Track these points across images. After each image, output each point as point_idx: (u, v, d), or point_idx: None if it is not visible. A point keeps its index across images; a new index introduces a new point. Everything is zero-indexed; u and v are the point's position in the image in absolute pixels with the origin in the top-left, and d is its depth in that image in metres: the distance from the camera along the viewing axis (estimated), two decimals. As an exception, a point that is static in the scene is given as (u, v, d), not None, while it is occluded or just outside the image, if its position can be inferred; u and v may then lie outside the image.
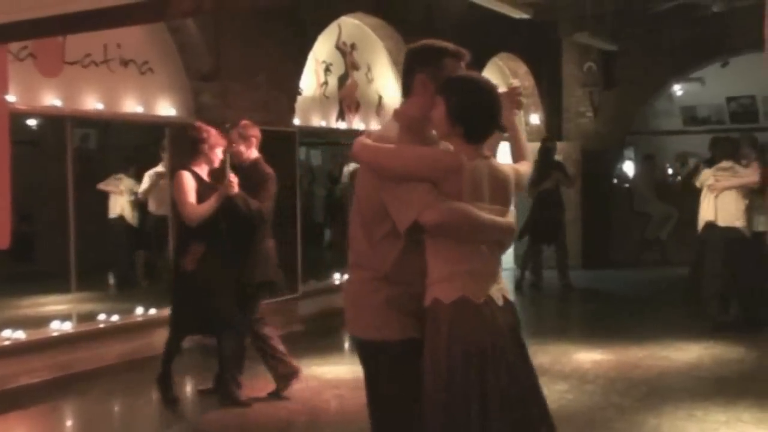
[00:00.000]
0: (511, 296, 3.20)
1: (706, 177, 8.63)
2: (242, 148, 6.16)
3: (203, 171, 6.05)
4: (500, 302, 3.07)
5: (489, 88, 3.11)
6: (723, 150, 8.71)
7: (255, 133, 6.25)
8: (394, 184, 3.00)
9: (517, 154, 3.44)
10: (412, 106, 3.18)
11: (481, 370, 2.95)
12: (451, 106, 3.03)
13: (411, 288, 3.08)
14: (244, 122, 6.32)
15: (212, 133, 6.03)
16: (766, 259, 8.61)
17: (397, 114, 3.22)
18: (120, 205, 10.45)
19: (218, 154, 6.02)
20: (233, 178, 5.83)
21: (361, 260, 3.17)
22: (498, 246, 3.14)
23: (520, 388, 3.05)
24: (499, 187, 3.12)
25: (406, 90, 3.23)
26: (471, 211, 2.98)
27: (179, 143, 8.43)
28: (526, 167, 3.41)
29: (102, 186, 10.27)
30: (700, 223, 8.74)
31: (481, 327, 2.98)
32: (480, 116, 3.07)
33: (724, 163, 8.54)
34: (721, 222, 8.43)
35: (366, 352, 3.21)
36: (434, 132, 3.18)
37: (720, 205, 8.42)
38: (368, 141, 3.10)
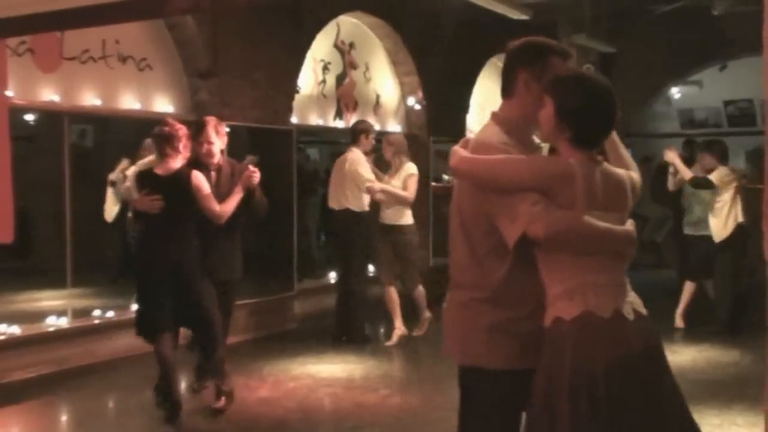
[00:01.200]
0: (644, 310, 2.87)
1: (728, 178, 8.48)
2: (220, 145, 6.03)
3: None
4: (631, 317, 2.78)
5: (605, 89, 2.85)
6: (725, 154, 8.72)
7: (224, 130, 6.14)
8: (498, 195, 2.78)
9: (621, 164, 3.03)
10: (513, 108, 2.96)
11: (608, 392, 2.66)
12: (560, 106, 2.79)
13: (518, 311, 2.88)
14: (214, 118, 6.13)
15: (184, 130, 5.82)
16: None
17: (497, 117, 2.99)
18: None
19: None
20: (255, 170, 5.84)
21: (464, 279, 2.97)
22: (618, 257, 2.86)
23: (658, 413, 2.77)
24: (614, 193, 2.86)
25: (507, 91, 2.98)
26: (583, 221, 2.74)
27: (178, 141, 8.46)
28: (637, 174, 3.06)
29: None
30: (728, 226, 8.47)
31: (609, 345, 2.71)
32: (593, 118, 2.83)
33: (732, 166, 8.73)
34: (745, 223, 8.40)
35: (464, 378, 3.03)
36: (536, 137, 3.02)
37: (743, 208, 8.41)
38: (464, 152, 2.89)
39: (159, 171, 5.72)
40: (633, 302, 2.83)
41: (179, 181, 5.65)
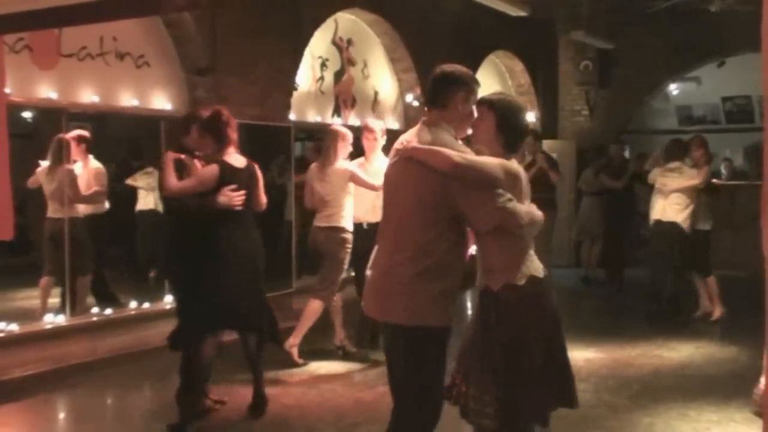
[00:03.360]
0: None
1: (654, 177, 9.09)
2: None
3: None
4: (542, 275, 3.70)
5: (524, 109, 3.90)
6: (671, 152, 9.10)
7: None
8: (473, 190, 3.52)
9: None
10: (446, 117, 3.70)
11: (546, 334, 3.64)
12: (500, 120, 3.69)
13: (456, 280, 3.66)
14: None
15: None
16: (703, 254, 9.09)
17: (435, 122, 3.70)
18: (153, 200, 10.34)
19: None
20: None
21: (417, 253, 3.57)
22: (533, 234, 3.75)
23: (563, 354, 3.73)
24: (528, 185, 3.77)
25: (440, 102, 3.72)
26: (532, 212, 3.66)
27: (175, 137, 8.45)
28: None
29: (131, 181, 10.00)
30: (651, 220, 9.16)
31: (550, 298, 3.71)
32: (520, 130, 3.82)
33: (672, 164, 8.95)
34: (665, 218, 8.85)
35: (409, 336, 3.64)
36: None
37: (668, 203, 8.86)
38: (423, 146, 3.57)
39: (233, 163, 5.56)
40: (536, 267, 3.70)
41: (255, 172, 5.67)
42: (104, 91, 7.70)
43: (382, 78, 11.44)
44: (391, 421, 3.91)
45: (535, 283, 3.62)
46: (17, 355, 6.90)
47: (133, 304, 8.13)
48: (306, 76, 9.97)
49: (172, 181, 5.50)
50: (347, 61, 10.79)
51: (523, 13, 11.50)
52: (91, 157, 8.22)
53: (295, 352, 7.25)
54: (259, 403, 5.84)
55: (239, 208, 5.50)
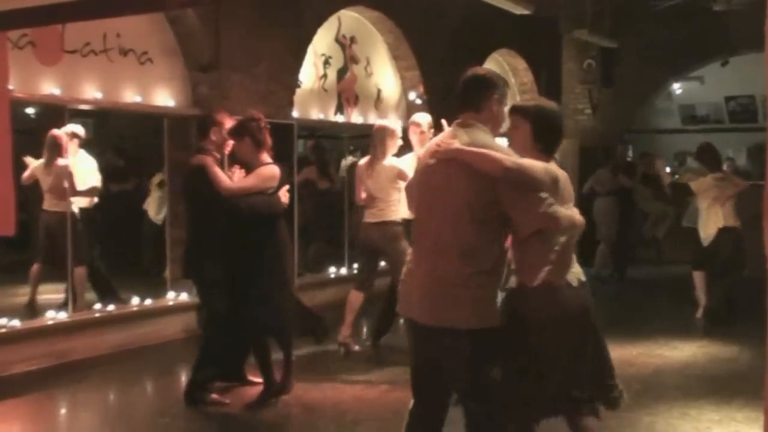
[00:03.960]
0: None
1: (708, 186, 9.02)
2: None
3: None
4: (574, 284, 3.76)
5: (558, 111, 3.96)
6: (713, 160, 9.22)
7: None
8: (518, 192, 3.58)
9: None
10: (484, 119, 3.75)
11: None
12: (535, 127, 3.77)
13: (500, 279, 3.72)
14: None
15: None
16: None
17: (470, 123, 3.73)
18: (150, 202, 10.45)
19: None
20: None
21: (473, 255, 3.58)
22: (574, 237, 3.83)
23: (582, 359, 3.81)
24: (569, 187, 3.82)
25: (477, 105, 3.75)
26: (573, 216, 3.76)
27: (178, 135, 8.46)
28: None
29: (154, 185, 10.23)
30: (709, 230, 9.03)
31: (575, 299, 3.77)
32: (557, 134, 3.87)
33: (720, 174, 9.13)
34: (729, 225, 8.94)
35: (477, 340, 3.58)
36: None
37: (727, 210, 8.96)
38: (470, 148, 3.57)
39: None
40: (576, 272, 3.80)
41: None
42: (107, 87, 7.70)
43: (385, 76, 11.44)
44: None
45: (570, 288, 3.73)
46: (19, 351, 6.91)
47: (135, 301, 8.13)
48: (309, 73, 9.97)
49: (227, 181, 5.67)
50: (350, 59, 10.78)
51: (526, 12, 11.48)
52: (82, 151, 8.25)
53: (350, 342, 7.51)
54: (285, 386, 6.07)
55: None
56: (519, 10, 11.34)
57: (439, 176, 3.68)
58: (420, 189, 3.81)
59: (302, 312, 6.22)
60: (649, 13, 13.70)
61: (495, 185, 3.54)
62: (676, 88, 17.12)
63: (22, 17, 4.35)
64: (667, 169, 17.35)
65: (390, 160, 7.24)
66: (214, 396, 5.97)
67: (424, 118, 7.37)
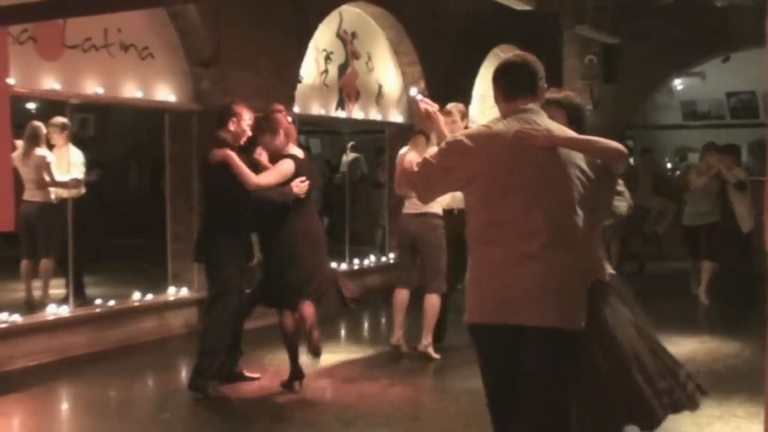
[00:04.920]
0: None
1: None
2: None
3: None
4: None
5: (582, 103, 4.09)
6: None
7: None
8: (611, 179, 3.53)
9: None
10: (539, 106, 3.53)
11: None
12: (570, 115, 3.89)
13: None
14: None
15: None
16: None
17: (540, 111, 3.51)
18: None
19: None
20: None
21: (585, 249, 3.38)
22: None
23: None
24: None
25: (536, 91, 3.50)
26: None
27: (179, 130, 8.46)
28: None
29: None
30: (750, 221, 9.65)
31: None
32: (586, 123, 4.04)
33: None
34: None
35: (572, 341, 3.30)
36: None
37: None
38: (573, 136, 3.46)
39: (299, 155, 6.14)
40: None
41: (313, 165, 6.31)
42: (108, 82, 7.69)
43: (386, 71, 11.43)
44: None
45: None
46: (20, 346, 6.91)
47: (136, 296, 8.13)
48: (310, 68, 9.96)
49: (254, 176, 5.90)
50: (351, 54, 10.77)
51: (528, 7, 11.47)
52: (70, 144, 8.27)
53: (431, 350, 7.16)
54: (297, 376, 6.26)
55: (303, 196, 6.02)
56: (520, 6, 11.33)
57: (531, 163, 3.29)
58: (503, 179, 3.31)
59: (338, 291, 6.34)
60: (651, 8, 13.68)
61: (596, 172, 3.38)
62: (678, 83, 17.10)
63: (24, 12, 4.35)
64: (668, 165, 17.39)
65: (430, 150, 7.13)
66: (213, 389, 5.99)
67: (455, 107, 7.16)
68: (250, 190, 5.86)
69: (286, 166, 6.00)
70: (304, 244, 6.01)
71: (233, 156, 5.85)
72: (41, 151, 8.08)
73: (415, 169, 3.47)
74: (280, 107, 6.24)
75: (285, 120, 6.12)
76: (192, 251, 6.56)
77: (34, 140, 8.03)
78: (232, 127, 6.04)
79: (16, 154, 7.97)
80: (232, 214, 5.99)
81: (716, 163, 9.88)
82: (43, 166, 8.00)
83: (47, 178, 8.03)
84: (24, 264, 8.38)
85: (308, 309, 6.07)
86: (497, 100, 3.56)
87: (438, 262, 7.10)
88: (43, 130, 8.10)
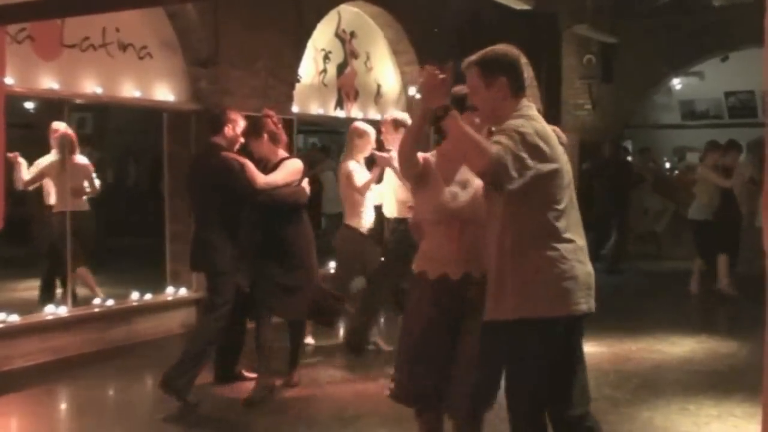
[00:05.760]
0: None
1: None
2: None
3: None
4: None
5: None
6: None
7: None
8: None
9: None
10: None
11: None
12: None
13: None
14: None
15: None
16: None
17: None
18: None
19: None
20: None
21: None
22: None
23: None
24: None
25: (521, 88, 3.56)
26: None
27: (177, 129, 8.45)
28: None
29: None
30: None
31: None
32: None
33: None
34: None
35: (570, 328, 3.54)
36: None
37: None
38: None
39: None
40: None
41: None
42: (106, 82, 7.68)
43: (385, 71, 11.42)
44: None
45: None
46: (19, 346, 6.91)
47: (134, 296, 8.13)
48: (309, 68, 9.95)
49: (262, 176, 5.83)
50: (350, 54, 10.77)
51: (526, 7, 11.48)
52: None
53: None
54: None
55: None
56: (519, 5, 11.34)
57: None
58: (565, 174, 3.45)
59: (325, 298, 6.31)
60: (649, 8, 13.69)
61: None
62: (676, 83, 17.09)
63: (21, 11, 4.34)
64: (667, 164, 17.39)
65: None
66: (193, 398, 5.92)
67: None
68: (256, 193, 5.77)
69: (296, 165, 5.97)
70: (308, 249, 6.03)
71: (245, 160, 5.82)
72: (81, 158, 8.11)
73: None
74: (270, 112, 6.14)
75: (273, 125, 6.02)
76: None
77: (68, 148, 7.98)
78: (228, 133, 5.94)
79: (49, 164, 7.99)
80: (233, 218, 5.89)
81: (743, 164, 10.38)
82: (87, 173, 8.12)
83: (88, 187, 8.15)
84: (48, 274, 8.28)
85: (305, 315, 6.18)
86: (504, 96, 3.51)
87: None
88: (74, 136, 8.12)
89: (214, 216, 5.91)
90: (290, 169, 5.94)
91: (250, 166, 5.81)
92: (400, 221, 6.86)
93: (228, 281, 5.88)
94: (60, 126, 7.98)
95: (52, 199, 8.10)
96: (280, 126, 6.09)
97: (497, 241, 3.39)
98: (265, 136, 5.98)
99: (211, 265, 5.91)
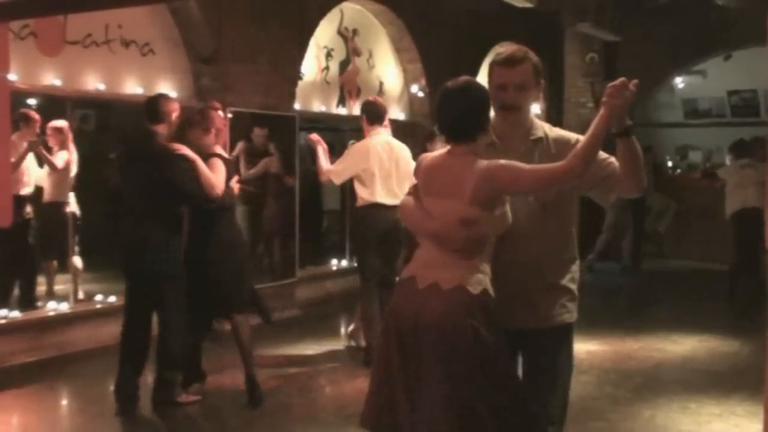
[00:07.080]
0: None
1: (729, 173, 10.16)
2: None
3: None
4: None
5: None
6: (740, 151, 10.25)
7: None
8: None
9: None
10: None
11: None
12: None
13: None
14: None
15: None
16: None
17: None
18: None
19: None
20: None
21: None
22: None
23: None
24: None
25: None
26: None
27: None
28: None
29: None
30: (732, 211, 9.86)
31: None
32: None
33: (744, 161, 10.03)
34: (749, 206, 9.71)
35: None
36: None
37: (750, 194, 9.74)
38: None
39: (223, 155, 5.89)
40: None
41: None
42: (109, 78, 7.69)
43: (387, 68, 11.42)
44: None
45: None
46: (19, 342, 6.91)
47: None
48: (311, 65, 9.95)
49: (221, 183, 5.59)
50: (352, 51, 10.76)
51: (529, 5, 11.46)
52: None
53: None
54: (251, 387, 5.84)
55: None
56: (521, 3, 11.32)
57: None
58: None
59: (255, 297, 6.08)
60: (652, 6, 13.67)
61: None
62: (679, 82, 17.06)
63: (24, 8, 4.34)
64: (669, 163, 17.37)
65: None
66: (184, 397, 5.89)
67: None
68: (210, 200, 5.55)
69: (221, 166, 5.65)
70: (235, 252, 5.78)
71: (195, 157, 5.60)
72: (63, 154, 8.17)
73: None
74: (217, 105, 5.99)
75: (219, 119, 5.85)
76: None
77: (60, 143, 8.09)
78: (169, 122, 5.71)
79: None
80: (179, 216, 5.70)
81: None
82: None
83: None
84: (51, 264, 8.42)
85: (242, 321, 5.90)
86: (537, 98, 3.78)
87: None
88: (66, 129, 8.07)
89: (165, 211, 5.65)
90: (223, 169, 5.64)
91: (203, 168, 5.53)
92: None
93: (183, 282, 5.64)
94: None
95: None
96: (226, 124, 6.00)
97: (562, 249, 3.51)
98: (213, 131, 5.77)
99: (172, 267, 5.62)
